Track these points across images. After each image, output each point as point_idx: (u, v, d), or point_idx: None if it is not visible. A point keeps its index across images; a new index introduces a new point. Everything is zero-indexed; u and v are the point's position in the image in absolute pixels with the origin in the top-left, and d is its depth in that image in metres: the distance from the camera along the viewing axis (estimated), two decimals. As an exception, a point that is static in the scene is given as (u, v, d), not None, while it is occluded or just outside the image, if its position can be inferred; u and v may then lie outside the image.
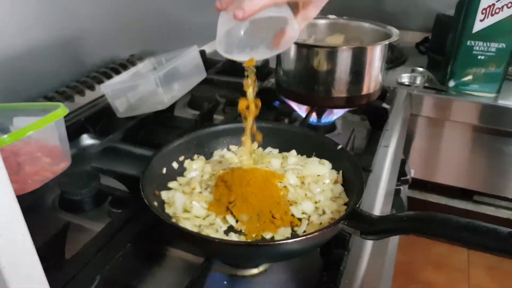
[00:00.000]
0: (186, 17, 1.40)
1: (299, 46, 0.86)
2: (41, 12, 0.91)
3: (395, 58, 1.42)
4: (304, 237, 0.48)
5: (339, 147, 0.66)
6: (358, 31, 1.00)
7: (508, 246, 0.45)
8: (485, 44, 1.13)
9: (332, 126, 0.97)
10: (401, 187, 1.00)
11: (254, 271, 0.59)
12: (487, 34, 1.11)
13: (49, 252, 0.57)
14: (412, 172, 1.35)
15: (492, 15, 1.09)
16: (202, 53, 1.28)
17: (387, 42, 0.86)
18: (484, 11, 1.09)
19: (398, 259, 1.76)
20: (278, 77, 0.96)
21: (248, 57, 0.59)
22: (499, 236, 0.45)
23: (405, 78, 1.27)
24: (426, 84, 1.25)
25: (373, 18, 1.01)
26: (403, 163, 1.04)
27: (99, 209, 0.70)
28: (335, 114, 0.95)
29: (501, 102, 1.18)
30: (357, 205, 0.53)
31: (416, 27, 1.69)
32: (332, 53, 0.84)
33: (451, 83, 1.22)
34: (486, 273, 1.72)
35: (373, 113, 0.95)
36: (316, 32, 1.04)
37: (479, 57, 1.16)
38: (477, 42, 1.13)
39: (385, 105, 0.98)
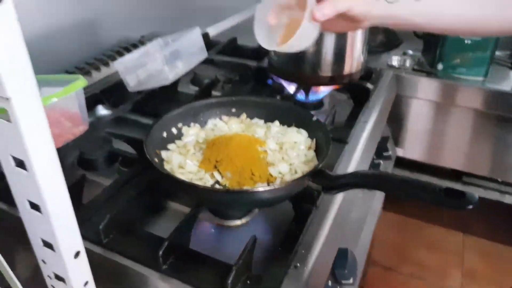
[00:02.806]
0: (192, 1, 1.46)
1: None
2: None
3: (389, 42, 1.44)
4: (273, 187, 0.59)
5: (314, 118, 0.74)
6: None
7: (439, 199, 0.53)
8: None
9: (320, 103, 1.04)
10: (381, 162, 1.06)
11: (238, 222, 0.67)
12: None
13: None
14: (401, 152, 1.41)
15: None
16: (206, 35, 1.35)
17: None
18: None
19: (391, 239, 1.76)
20: (270, 57, 1.03)
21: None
22: (433, 191, 0.54)
23: (395, 61, 1.30)
24: (415, 67, 1.29)
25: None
26: (385, 140, 1.10)
27: (111, 168, 0.78)
28: (322, 92, 1.02)
29: (489, 85, 1.21)
30: (320, 165, 0.62)
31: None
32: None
33: (440, 66, 1.26)
34: (481, 258, 1.69)
35: (355, 91, 1.01)
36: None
37: (466, 41, 1.19)
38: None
39: (369, 85, 1.03)
